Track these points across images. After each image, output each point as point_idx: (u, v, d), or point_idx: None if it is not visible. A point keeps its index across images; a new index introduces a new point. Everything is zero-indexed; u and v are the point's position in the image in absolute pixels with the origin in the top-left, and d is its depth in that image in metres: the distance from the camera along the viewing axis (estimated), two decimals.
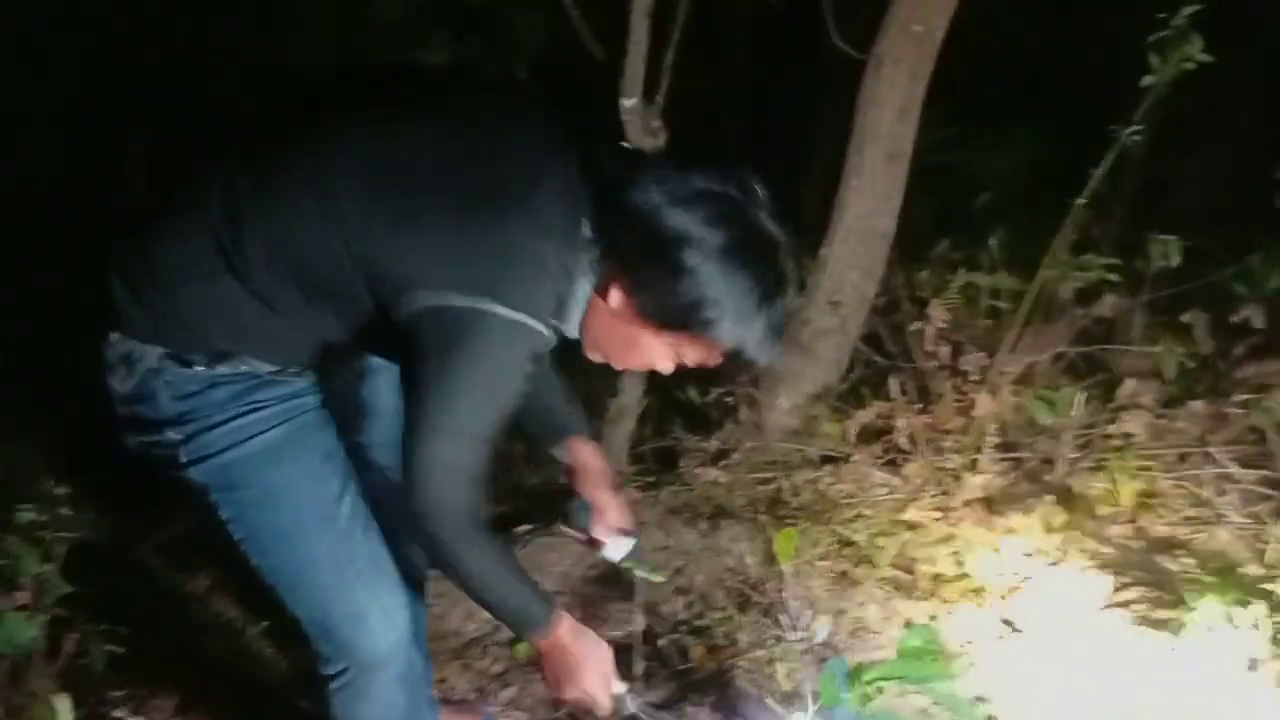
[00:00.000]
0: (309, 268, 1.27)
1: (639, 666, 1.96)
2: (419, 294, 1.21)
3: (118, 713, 1.70)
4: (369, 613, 1.39)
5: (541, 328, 1.25)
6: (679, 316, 1.25)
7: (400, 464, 1.27)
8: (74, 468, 2.56)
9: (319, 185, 1.25)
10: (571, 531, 1.65)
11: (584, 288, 1.31)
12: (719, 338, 1.26)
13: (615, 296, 1.28)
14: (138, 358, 1.30)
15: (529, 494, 2.94)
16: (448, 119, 1.34)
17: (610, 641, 1.46)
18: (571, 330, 1.34)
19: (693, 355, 1.32)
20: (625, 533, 1.60)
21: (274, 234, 1.27)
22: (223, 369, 1.31)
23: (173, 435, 1.32)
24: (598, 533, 1.59)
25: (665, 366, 1.36)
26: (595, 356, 1.39)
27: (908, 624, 1.71)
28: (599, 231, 1.27)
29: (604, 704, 1.45)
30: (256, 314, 1.29)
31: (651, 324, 1.28)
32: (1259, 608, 1.83)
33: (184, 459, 1.33)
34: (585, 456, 1.62)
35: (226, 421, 1.31)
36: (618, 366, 1.42)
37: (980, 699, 1.88)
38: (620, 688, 1.47)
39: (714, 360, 1.32)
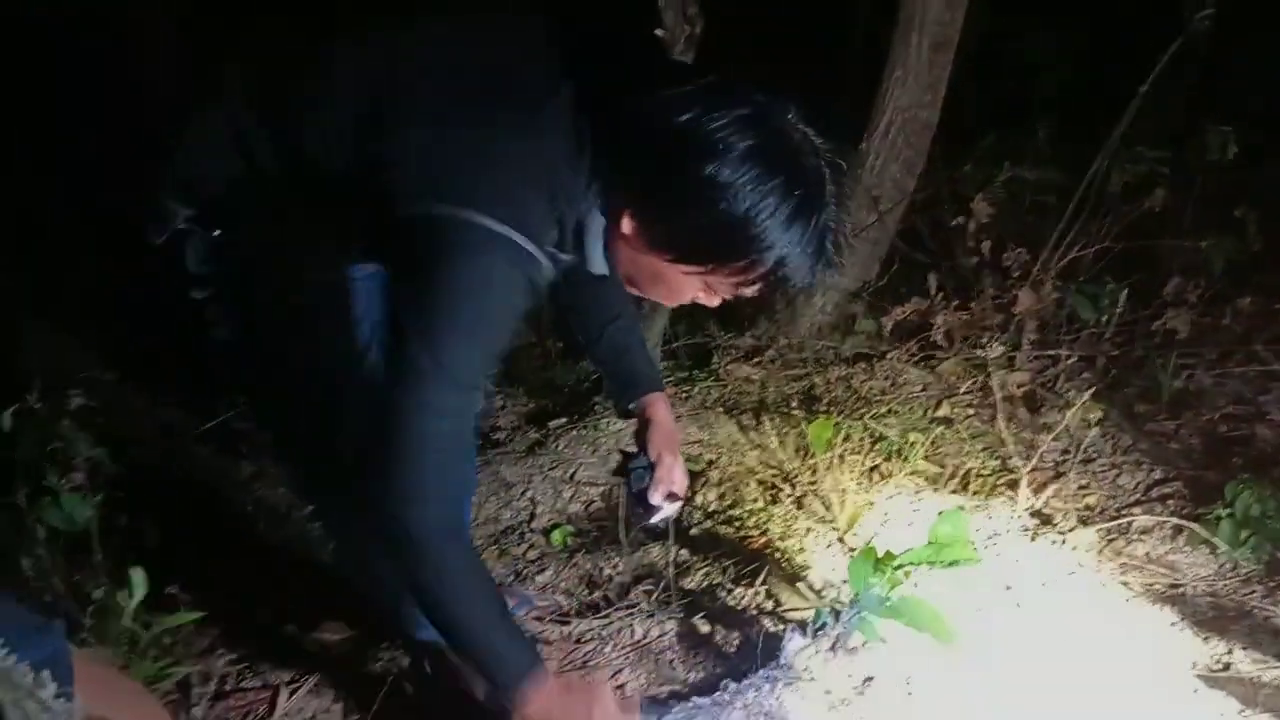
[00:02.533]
0: (315, 163, 1.24)
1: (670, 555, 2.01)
2: (400, 202, 1.12)
3: (170, 589, 1.78)
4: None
5: (535, 250, 1.12)
6: (701, 242, 1.12)
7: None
8: (122, 361, 2.63)
9: (330, 83, 1.22)
10: (626, 491, 1.60)
11: (597, 220, 1.19)
12: (751, 261, 1.12)
13: (627, 224, 1.16)
14: (170, 212, 1.29)
15: (562, 390, 2.98)
16: (457, 26, 1.26)
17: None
18: (597, 265, 1.23)
19: (725, 287, 1.19)
20: (675, 497, 1.56)
21: (288, 127, 1.24)
22: (238, 237, 1.30)
23: (196, 296, 1.33)
24: (654, 497, 1.52)
25: (704, 299, 1.23)
26: (632, 291, 1.28)
27: (939, 514, 1.72)
28: (609, 151, 1.14)
29: None
30: (256, 187, 1.27)
31: (671, 254, 1.15)
32: None
33: (209, 319, 1.34)
34: (660, 414, 1.55)
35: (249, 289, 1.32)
36: (655, 300, 1.28)
37: (1008, 588, 1.90)
38: (634, 707, 1.36)
39: (749, 291, 1.18)
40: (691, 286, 1.20)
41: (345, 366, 1.32)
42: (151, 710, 0.83)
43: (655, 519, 1.57)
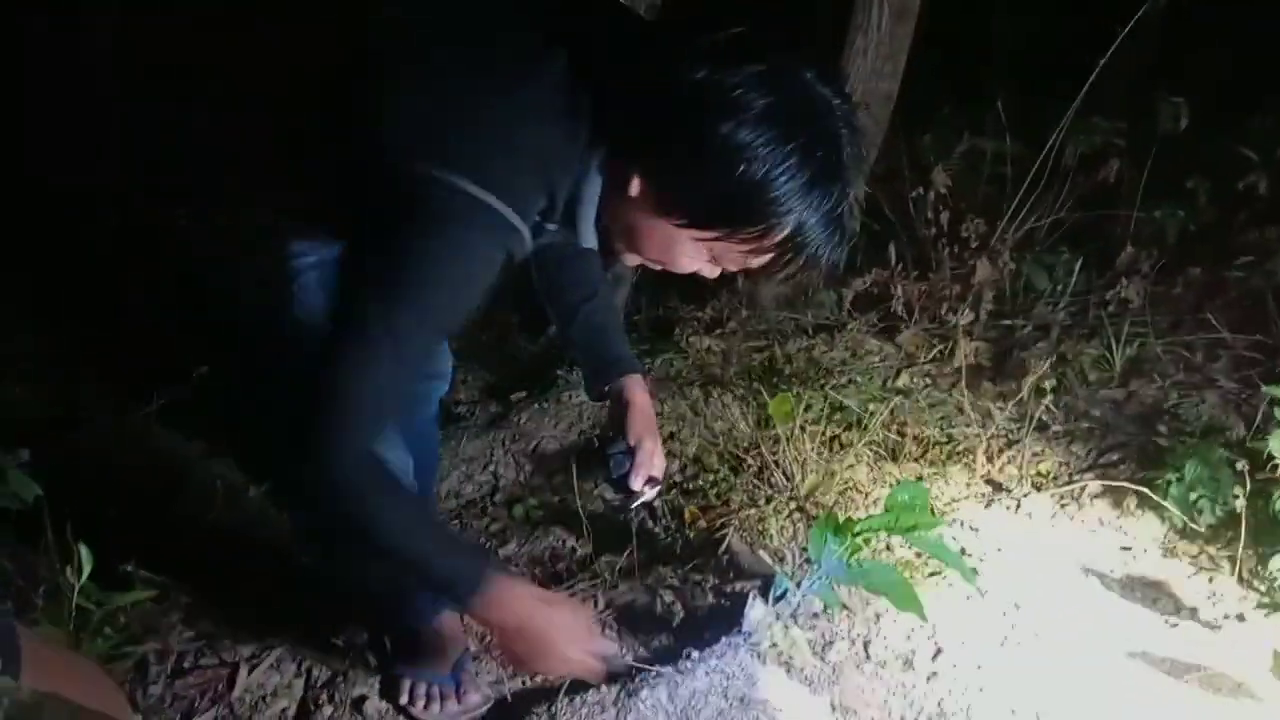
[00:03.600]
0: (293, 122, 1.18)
1: (633, 526, 2.02)
2: (382, 159, 1.07)
3: (125, 566, 1.75)
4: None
5: (518, 222, 1.07)
6: (716, 206, 1.06)
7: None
8: (71, 337, 2.57)
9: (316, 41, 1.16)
10: (603, 479, 1.58)
11: (594, 186, 1.13)
12: (769, 227, 1.05)
13: (635, 187, 1.09)
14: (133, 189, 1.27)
15: (522, 362, 2.96)
16: None
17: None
18: (586, 237, 1.18)
19: (734, 256, 1.12)
20: (655, 481, 1.54)
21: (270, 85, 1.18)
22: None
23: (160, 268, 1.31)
24: (635, 482, 1.50)
25: (706, 270, 1.17)
26: (628, 258, 1.22)
27: (897, 483, 1.74)
28: (617, 110, 1.08)
29: (596, 670, 1.29)
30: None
31: (682, 218, 1.09)
32: (1242, 467, 1.86)
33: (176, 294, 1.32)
34: (638, 397, 1.51)
35: None
36: (649, 264, 1.20)
37: (964, 552, 1.93)
38: (607, 646, 1.35)
39: (759, 261, 1.12)
40: (699, 255, 1.14)
41: (296, 335, 1.27)
42: (103, 688, 0.82)
43: (635, 504, 1.56)
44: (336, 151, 1.13)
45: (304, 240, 1.26)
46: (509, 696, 1.67)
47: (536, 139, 1.08)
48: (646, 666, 1.61)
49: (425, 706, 1.64)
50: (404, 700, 1.65)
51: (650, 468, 1.49)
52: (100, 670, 1.01)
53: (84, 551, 1.24)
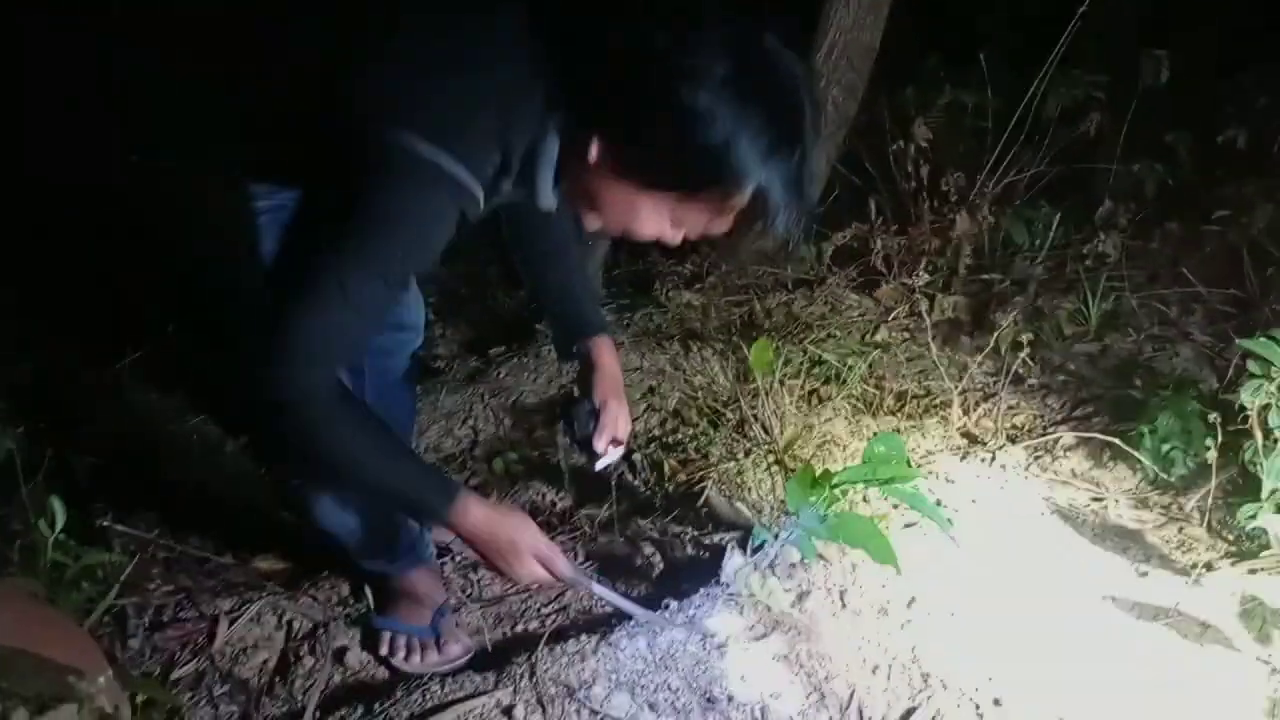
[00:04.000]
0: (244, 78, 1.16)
1: (612, 479, 2.03)
2: (333, 117, 1.07)
3: (102, 521, 1.74)
4: None
5: (470, 181, 1.07)
6: (677, 168, 1.07)
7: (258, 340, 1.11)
8: (44, 292, 2.53)
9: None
10: (568, 437, 1.59)
11: (552, 147, 1.13)
12: (729, 189, 1.07)
13: (595, 150, 1.09)
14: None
15: (502, 317, 2.95)
16: None
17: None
18: (545, 198, 1.18)
19: (695, 219, 1.14)
20: (618, 443, 1.55)
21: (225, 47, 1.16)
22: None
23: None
24: (598, 444, 1.52)
25: (667, 236, 1.17)
26: (591, 224, 1.22)
27: (875, 436, 1.75)
28: (576, 74, 1.08)
29: (546, 580, 1.39)
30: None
31: (643, 180, 1.10)
32: (1214, 419, 1.88)
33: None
34: (605, 359, 1.52)
35: None
36: (615, 233, 1.21)
37: (940, 503, 1.96)
38: (565, 567, 1.41)
39: (720, 225, 1.13)
40: (659, 219, 1.15)
41: (253, 279, 1.25)
42: (74, 639, 0.82)
43: (599, 465, 1.57)
44: (291, 105, 1.12)
45: (259, 184, 1.25)
46: (489, 646, 1.69)
47: (490, 98, 1.08)
48: (626, 618, 1.63)
49: (406, 657, 1.66)
50: (384, 651, 1.66)
51: (614, 429, 1.51)
52: (72, 622, 1.01)
53: (56, 505, 1.23)
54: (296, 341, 1.10)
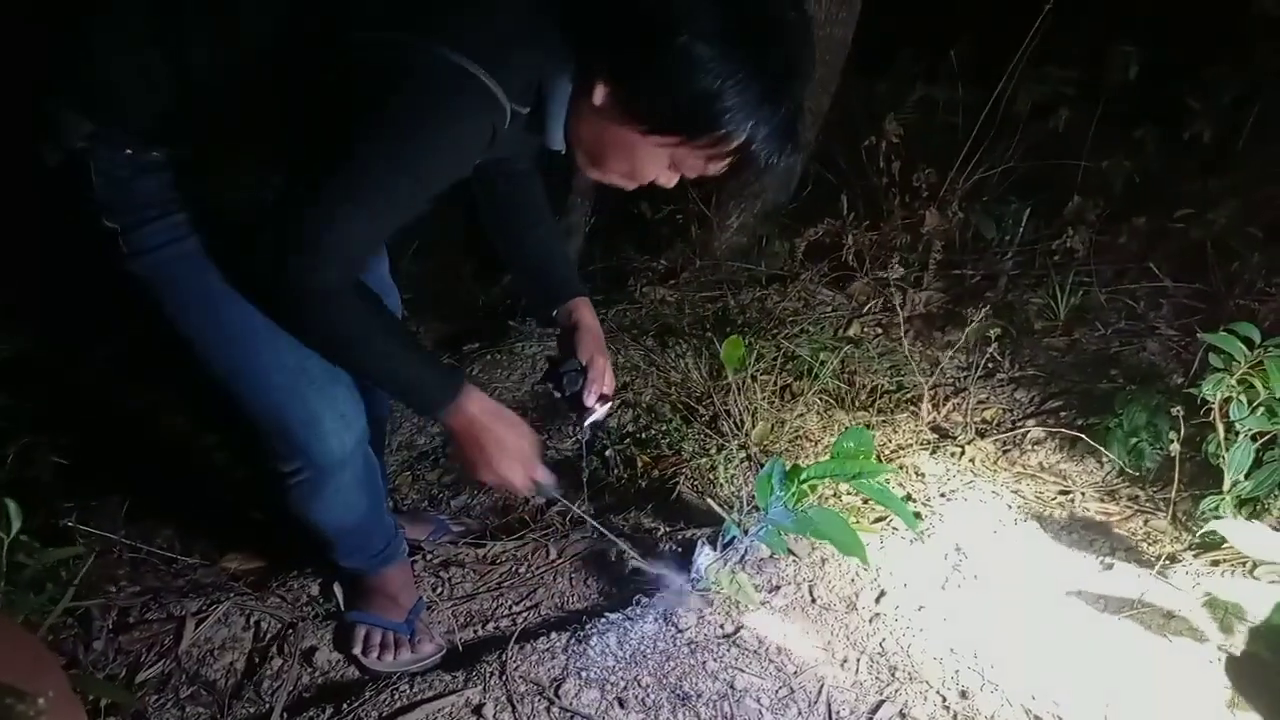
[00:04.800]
0: (249, 34, 1.16)
1: (585, 474, 2.03)
2: (353, 36, 1.09)
3: (66, 521, 1.72)
4: (323, 418, 1.37)
5: (502, 97, 1.10)
6: (673, 113, 1.13)
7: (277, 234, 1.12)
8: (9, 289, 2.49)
9: None
10: (557, 394, 1.59)
11: (563, 88, 1.18)
12: (722, 134, 1.13)
13: (600, 94, 1.15)
14: (68, 127, 1.19)
15: (476, 313, 2.94)
16: None
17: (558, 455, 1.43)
18: (555, 139, 1.22)
19: (692, 162, 1.20)
20: (606, 398, 1.57)
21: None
22: (154, 155, 1.21)
23: (108, 224, 1.23)
24: (589, 399, 1.54)
25: (664, 178, 1.24)
26: (592, 173, 1.27)
27: (844, 430, 1.76)
28: (580, 21, 1.13)
29: (522, 488, 1.41)
30: (178, 89, 1.19)
31: (644, 124, 1.15)
32: (1177, 412, 1.90)
33: (125, 250, 1.25)
34: (585, 318, 1.56)
35: (162, 216, 1.24)
36: (612, 179, 1.26)
37: (909, 498, 1.97)
38: (544, 475, 1.44)
39: (716, 168, 1.20)
40: (658, 162, 1.21)
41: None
42: (22, 647, 0.79)
43: (589, 420, 1.58)
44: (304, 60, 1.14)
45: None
46: (460, 645, 1.68)
47: (516, 23, 1.12)
48: (598, 614, 1.63)
49: (379, 655, 1.65)
50: (357, 649, 1.65)
51: (602, 384, 1.53)
52: (23, 631, 0.99)
53: (12, 507, 1.21)
54: (329, 230, 1.11)
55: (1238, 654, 1.06)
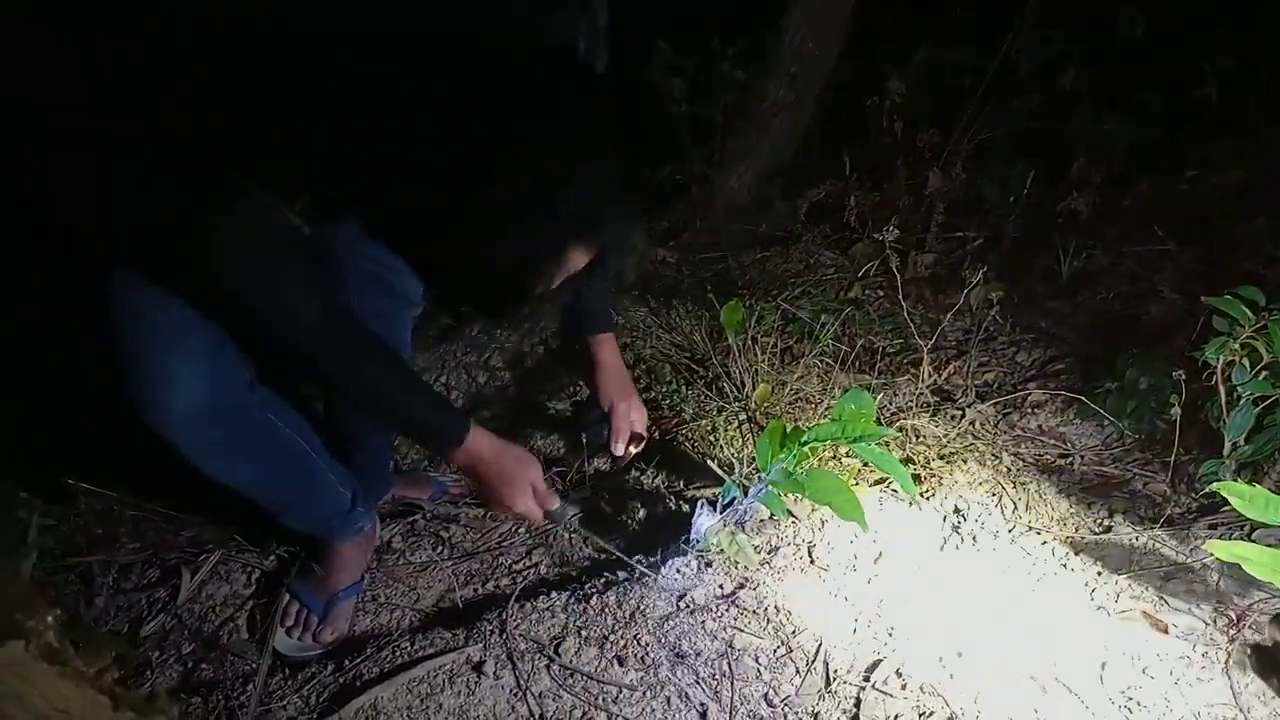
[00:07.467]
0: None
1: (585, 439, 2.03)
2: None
3: (68, 479, 1.71)
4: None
5: None
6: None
7: None
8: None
9: None
10: (589, 446, 1.67)
11: None
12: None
13: None
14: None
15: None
16: None
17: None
18: None
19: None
20: (639, 439, 1.61)
21: None
22: None
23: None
24: (616, 448, 1.59)
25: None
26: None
27: (845, 392, 1.75)
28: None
29: (536, 519, 1.47)
30: None
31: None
32: (1179, 376, 1.89)
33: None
34: (606, 357, 1.61)
35: None
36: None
37: (909, 460, 1.97)
38: (557, 503, 1.49)
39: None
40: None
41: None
42: (14, 585, 0.79)
43: (624, 464, 1.66)
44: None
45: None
46: (460, 603, 1.69)
47: None
48: (597, 575, 1.64)
49: (289, 630, 1.61)
50: (279, 617, 1.63)
51: (626, 430, 1.58)
52: (13, 574, 0.98)
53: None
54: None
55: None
